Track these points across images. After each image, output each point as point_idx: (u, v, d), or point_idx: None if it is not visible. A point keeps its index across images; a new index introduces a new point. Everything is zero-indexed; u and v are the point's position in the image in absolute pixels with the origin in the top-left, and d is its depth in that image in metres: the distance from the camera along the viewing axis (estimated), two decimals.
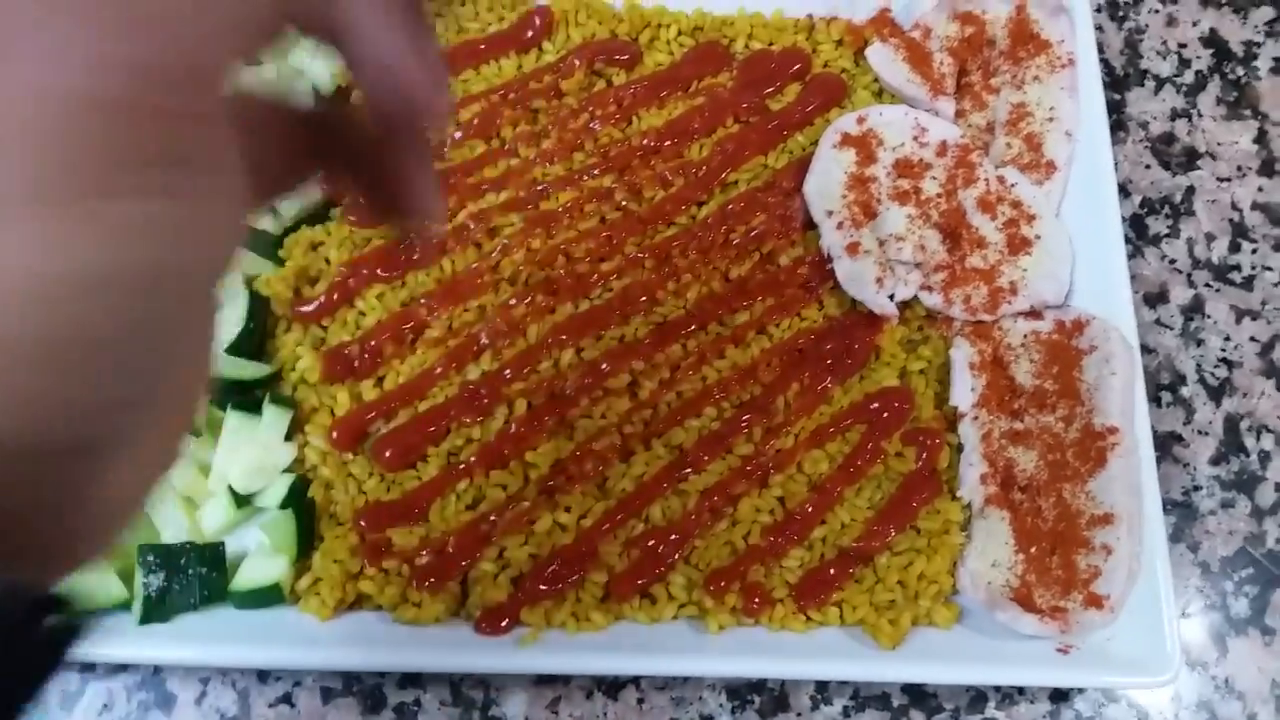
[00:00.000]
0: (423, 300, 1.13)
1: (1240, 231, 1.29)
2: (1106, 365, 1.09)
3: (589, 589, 1.03)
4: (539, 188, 1.18)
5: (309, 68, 1.19)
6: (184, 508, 1.03)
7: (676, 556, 1.05)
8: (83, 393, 0.37)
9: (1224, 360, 1.23)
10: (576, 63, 1.22)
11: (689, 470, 1.08)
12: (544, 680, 1.07)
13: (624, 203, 1.18)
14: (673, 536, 1.05)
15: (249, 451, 1.04)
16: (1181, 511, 1.17)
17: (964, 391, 1.12)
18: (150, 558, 0.99)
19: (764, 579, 1.05)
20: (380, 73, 0.47)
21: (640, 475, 1.08)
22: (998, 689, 1.09)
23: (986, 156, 1.20)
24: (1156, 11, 1.39)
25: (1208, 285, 1.26)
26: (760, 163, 1.23)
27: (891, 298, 1.15)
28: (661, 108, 1.23)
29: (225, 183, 0.40)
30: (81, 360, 0.36)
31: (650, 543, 1.05)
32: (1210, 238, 1.29)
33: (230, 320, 1.08)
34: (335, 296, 1.12)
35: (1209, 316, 1.25)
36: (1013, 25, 1.24)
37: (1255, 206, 1.30)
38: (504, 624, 1.01)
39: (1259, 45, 1.38)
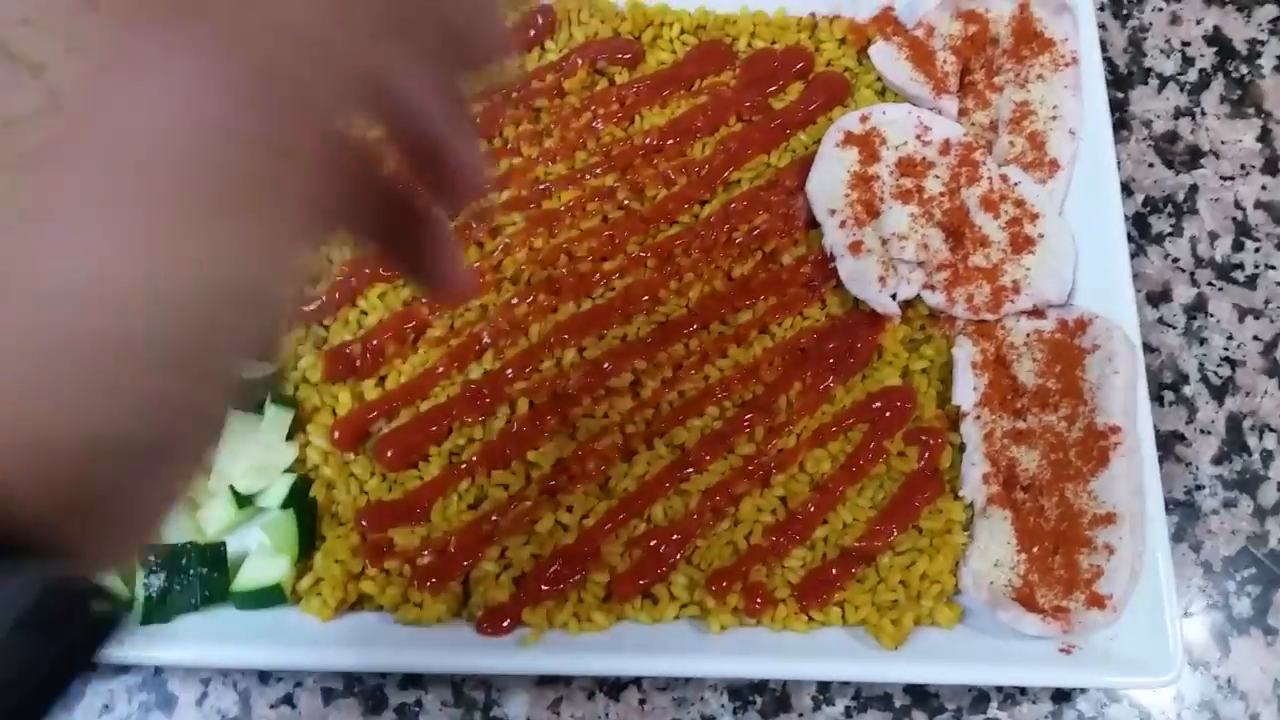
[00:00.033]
0: (424, 299, 1.12)
1: (1243, 230, 1.29)
2: (1109, 364, 1.09)
3: (591, 589, 1.03)
4: (541, 186, 1.18)
5: None
6: (185, 508, 1.03)
7: (678, 556, 1.05)
8: (180, 392, 0.41)
9: (1227, 359, 1.23)
10: (579, 61, 1.22)
11: (691, 470, 1.08)
12: (545, 681, 1.07)
13: (626, 201, 1.18)
14: (675, 536, 1.05)
15: (250, 451, 1.04)
16: (1184, 511, 1.17)
17: (966, 391, 1.12)
18: (151, 558, 0.98)
19: (766, 579, 1.05)
20: (434, 154, 0.51)
21: (642, 475, 1.08)
22: (1000, 689, 1.08)
23: (990, 155, 1.20)
24: (1160, 10, 1.39)
25: (1210, 284, 1.26)
26: (763, 161, 1.22)
27: (894, 297, 1.15)
28: (664, 106, 1.23)
29: (316, 216, 0.44)
30: (184, 361, 0.40)
31: (652, 542, 1.05)
32: (1213, 236, 1.28)
33: None
34: (337, 295, 1.12)
35: (1212, 315, 1.25)
36: (1016, 24, 1.24)
37: (1259, 205, 1.30)
38: (506, 624, 1.01)
39: (1263, 43, 1.38)
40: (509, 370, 1.10)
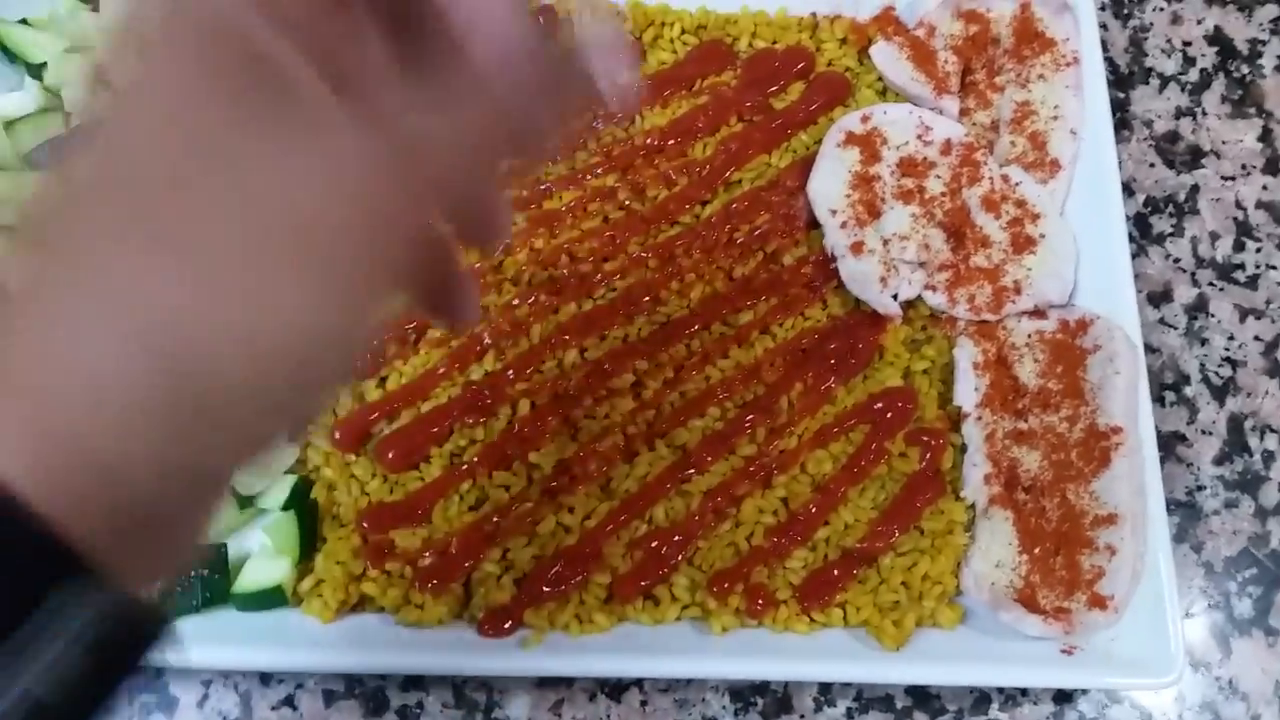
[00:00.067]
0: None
1: (1244, 230, 1.29)
2: (1110, 365, 1.09)
3: (592, 590, 1.03)
4: (542, 187, 1.18)
5: None
6: None
7: (680, 557, 1.05)
8: (256, 429, 0.44)
9: (1228, 360, 1.23)
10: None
11: (692, 471, 1.08)
12: (547, 683, 1.06)
13: (627, 202, 1.18)
14: (676, 537, 1.05)
15: None
16: (1185, 512, 1.17)
17: (968, 391, 1.12)
18: None
19: (767, 580, 1.05)
20: (468, 208, 0.54)
21: (644, 476, 1.08)
22: (1001, 690, 1.08)
23: (991, 155, 1.20)
24: (1161, 9, 1.39)
25: (1212, 284, 1.26)
26: (764, 162, 1.22)
27: (895, 297, 1.15)
28: (665, 106, 1.22)
29: (398, 278, 0.48)
30: (266, 402, 0.43)
31: (654, 544, 1.05)
32: (1214, 236, 1.28)
33: None
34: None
35: (1213, 316, 1.25)
36: (1017, 23, 1.24)
37: (1260, 205, 1.30)
38: (507, 626, 1.01)
39: (1264, 43, 1.38)
40: (510, 371, 1.10)
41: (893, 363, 1.15)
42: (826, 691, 1.08)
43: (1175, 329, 1.24)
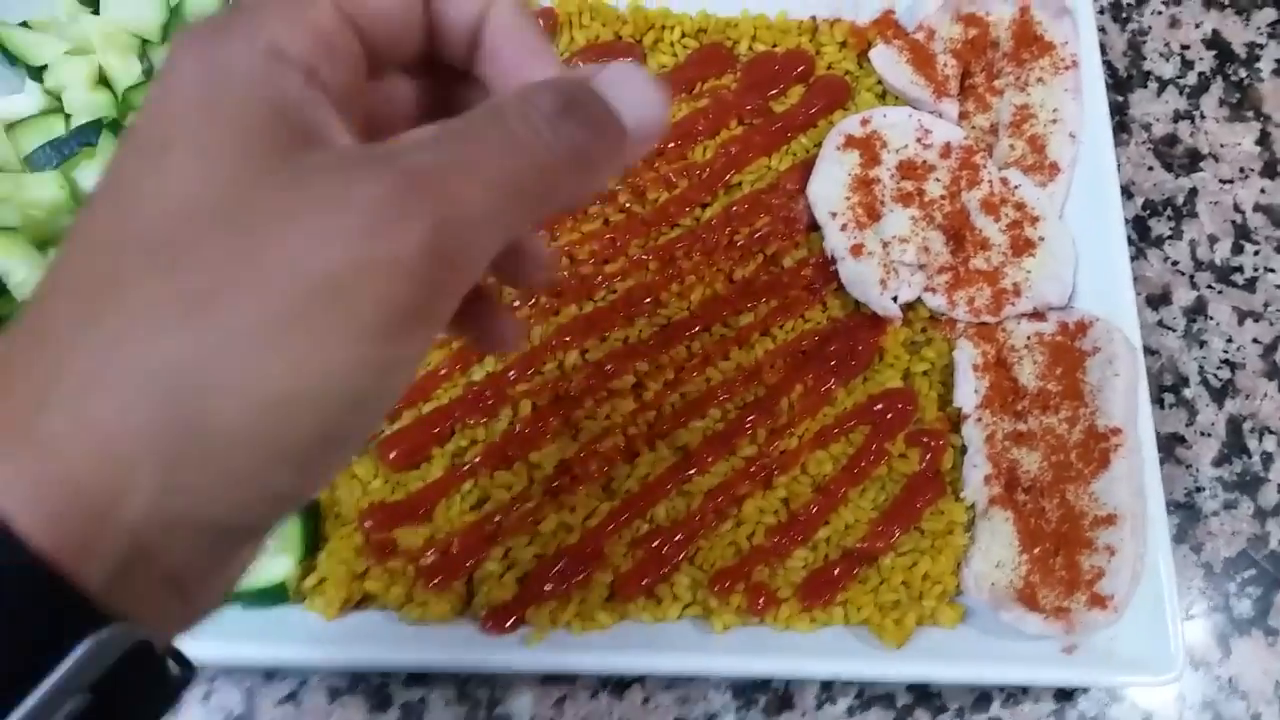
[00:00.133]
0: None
1: (1243, 233, 1.29)
2: (1110, 366, 1.09)
3: (594, 589, 1.03)
4: None
5: None
6: None
7: (681, 556, 1.05)
8: (298, 486, 0.45)
9: (1226, 362, 1.24)
10: (580, 65, 1.22)
11: (693, 471, 1.08)
12: (549, 679, 1.07)
13: (627, 205, 1.18)
14: (677, 537, 1.05)
15: None
16: (1184, 513, 1.17)
17: (967, 393, 1.12)
18: None
19: (769, 579, 1.05)
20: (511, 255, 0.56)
21: (645, 476, 1.08)
22: (1002, 688, 1.09)
23: (990, 158, 1.20)
24: (1159, 13, 1.40)
25: (1210, 287, 1.27)
26: (764, 165, 1.23)
27: (895, 299, 1.15)
28: None
29: (440, 330, 0.48)
30: (308, 460, 0.44)
31: (655, 543, 1.05)
32: (1213, 239, 1.29)
33: None
34: None
35: (1211, 318, 1.25)
36: (1016, 27, 1.24)
37: (1258, 208, 1.31)
38: (510, 623, 1.01)
39: (1261, 47, 1.39)
40: (511, 372, 1.10)
41: (893, 364, 1.15)
42: (828, 689, 1.08)
43: (1174, 331, 1.25)
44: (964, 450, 1.12)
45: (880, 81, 1.26)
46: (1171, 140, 1.33)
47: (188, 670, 0.47)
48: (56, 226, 1.10)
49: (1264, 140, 1.34)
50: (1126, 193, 1.28)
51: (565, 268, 1.15)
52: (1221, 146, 1.33)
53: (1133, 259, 1.19)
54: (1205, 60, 1.38)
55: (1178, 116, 1.35)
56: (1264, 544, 1.17)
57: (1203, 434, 1.21)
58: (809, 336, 1.16)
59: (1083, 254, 1.17)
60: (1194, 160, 1.32)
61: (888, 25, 1.26)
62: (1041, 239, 1.16)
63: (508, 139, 0.46)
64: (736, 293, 1.16)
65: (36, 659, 0.38)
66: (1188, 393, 1.22)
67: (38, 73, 1.18)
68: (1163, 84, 1.37)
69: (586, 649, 1.01)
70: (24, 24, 1.20)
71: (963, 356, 1.14)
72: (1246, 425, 1.21)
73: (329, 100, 0.46)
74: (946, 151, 1.20)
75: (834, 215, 1.17)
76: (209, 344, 0.40)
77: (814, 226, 1.19)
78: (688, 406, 1.11)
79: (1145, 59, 1.38)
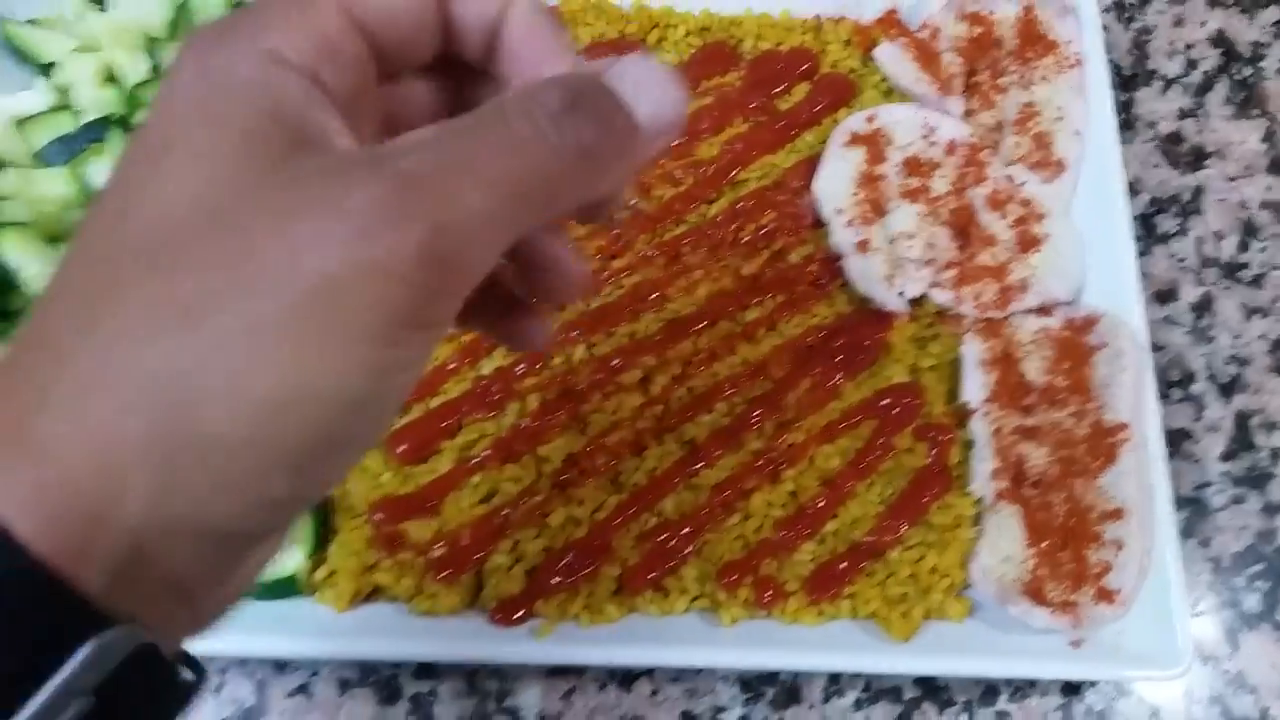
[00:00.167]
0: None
1: (1249, 230, 1.30)
2: (1117, 362, 1.09)
3: (602, 582, 1.03)
4: None
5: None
6: None
7: (689, 550, 1.05)
8: (296, 491, 0.45)
9: (1234, 357, 1.24)
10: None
11: (701, 465, 1.08)
12: (557, 672, 1.07)
13: (634, 201, 1.19)
14: (685, 530, 1.05)
15: None
16: (1192, 507, 1.17)
17: (974, 388, 1.12)
18: None
19: (776, 572, 1.05)
20: (543, 267, 0.56)
21: (653, 469, 1.08)
22: (1009, 682, 1.09)
23: (995, 155, 1.21)
24: (1164, 12, 1.40)
25: (1217, 283, 1.27)
26: (769, 162, 1.23)
27: (901, 295, 1.15)
28: None
29: (445, 332, 0.48)
30: (305, 466, 0.44)
31: (663, 536, 1.05)
32: (1219, 236, 1.29)
33: None
34: None
35: (1218, 314, 1.26)
36: (1021, 26, 1.25)
37: (1264, 205, 1.31)
38: (518, 616, 1.01)
39: (1266, 45, 1.39)
40: (519, 367, 1.11)
41: (899, 359, 1.15)
42: (835, 682, 1.08)
43: (1181, 327, 1.25)
44: (971, 445, 1.12)
45: (885, 79, 1.27)
46: (1177, 138, 1.34)
47: (199, 675, 0.47)
48: (66, 222, 1.10)
49: (1270, 137, 1.34)
50: (1133, 190, 1.29)
51: None
52: (1227, 144, 1.34)
53: (1139, 255, 1.19)
54: (1210, 58, 1.38)
55: (1183, 114, 1.35)
56: (1272, 539, 1.17)
57: (1210, 429, 1.21)
58: (815, 332, 1.16)
59: (1090, 250, 1.17)
60: (1200, 157, 1.33)
61: (892, 24, 1.27)
62: (1048, 235, 1.16)
63: (509, 138, 0.45)
64: (743, 288, 1.17)
65: (39, 662, 0.38)
66: (1195, 388, 1.23)
67: (46, 70, 1.18)
68: (1168, 82, 1.37)
69: (594, 642, 1.01)
70: (32, 21, 1.20)
71: (969, 351, 1.14)
72: (1254, 420, 1.21)
73: (331, 103, 0.46)
74: (952, 148, 1.20)
75: (840, 211, 1.17)
76: (203, 347, 0.40)
77: (819, 223, 1.20)
78: (695, 401, 1.11)
79: (1150, 57, 1.38)
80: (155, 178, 0.43)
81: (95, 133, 1.14)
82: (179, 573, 0.43)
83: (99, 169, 1.12)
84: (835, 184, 1.19)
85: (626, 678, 1.07)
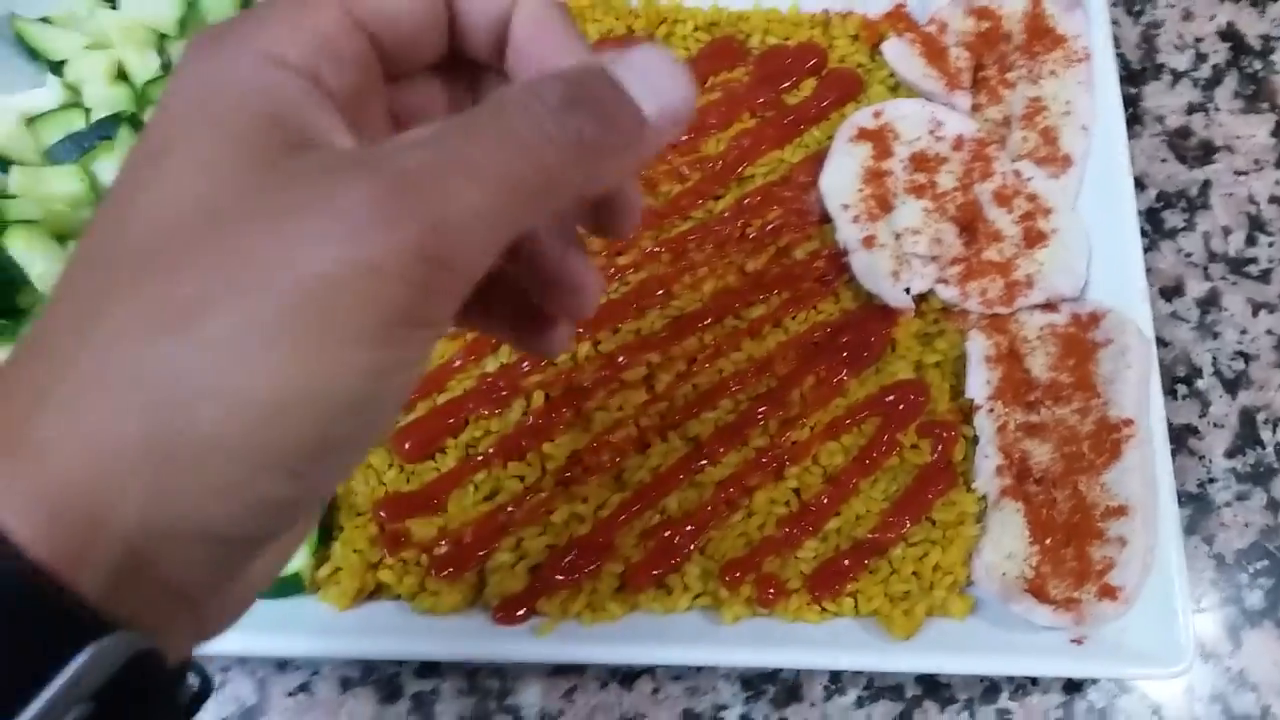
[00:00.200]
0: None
1: (1257, 225, 1.29)
2: (1122, 358, 1.09)
3: (605, 579, 1.04)
4: None
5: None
6: None
7: (692, 547, 1.05)
8: (295, 493, 0.44)
9: (1240, 353, 1.24)
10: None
11: (705, 462, 1.09)
12: (559, 670, 1.08)
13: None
14: (688, 527, 1.06)
15: None
16: (1196, 504, 1.17)
17: (979, 384, 1.12)
18: None
19: (779, 570, 1.05)
20: (552, 277, 0.57)
21: (657, 467, 1.08)
22: (1011, 679, 1.09)
23: (1003, 150, 1.21)
24: (1173, 6, 1.40)
25: (1224, 278, 1.27)
26: (776, 157, 1.23)
27: (907, 291, 1.15)
28: None
29: (444, 331, 0.48)
30: (301, 468, 0.43)
31: (666, 533, 1.06)
32: (1227, 231, 1.29)
33: None
34: None
35: (1225, 309, 1.25)
36: (1028, 20, 1.24)
37: (1272, 200, 1.30)
38: (521, 614, 1.02)
39: (1276, 39, 1.39)
40: (524, 364, 1.11)
41: (904, 356, 1.15)
42: (837, 680, 1.09)
43: (1187, 323, 1.25)
44: (975, 441, 1.12)
45: (892, 74, 1.27)
46: (1185, 132, 1.33)
47: (205, 684, 0.47)
48: (76, 220, 1.10)
49: (1278, 132, 1.33)
50: (1140, 184, 1.29)
51: None
52: (1236, 138, 1.33)
53: (1146, 250, 1.19)
54: (1219, 52, 1.38)
55: (1191, 109, 1.35)
56: (1275, 535, 1.17)
57: (1215, 425, 1.21)
58: (821, 328, 1.16)
59: (1096, 245, 1.17)
60: (1207, 152, 1.32)
61: (900, 18, 1.27)
62: (1054, 230, 1.16)
63: (508, 134, 0.45)
64: (748, 285, 1.17)
65: (38, 667, 0.38)
66: (1200, 384, 1.22)
67: (58, 67, 1.19)
68: (1176, 76, 1.36)
69: (596, 640, 1.01)
70: (45, 19, 1.20)
71: (974, 348, 1.14)
72: (1260, 416, 1.21)
73: (331, 103, 0.46)
74: (959, 144, 1.20)
75: (846, 207, 1.17)
76: (199, 349, 0.40)
77: (826, 219, 1.20)
78: (699, 398, 1.11)
79: (1159, 51, 1.38)
80: (155, 181, 0.43)
81: (105, 130, 1.14)
82: (179, 577, 0.43)
83: (108, 166, 1.12)
84: (841, 179, 1.18)
85: (628, 676, 1.08)
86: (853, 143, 1.20)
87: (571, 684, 1.07)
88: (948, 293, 1.16)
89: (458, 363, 1.11)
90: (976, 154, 1.19)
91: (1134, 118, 1.33)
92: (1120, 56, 1.34)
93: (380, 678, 1.07)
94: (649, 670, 1.08)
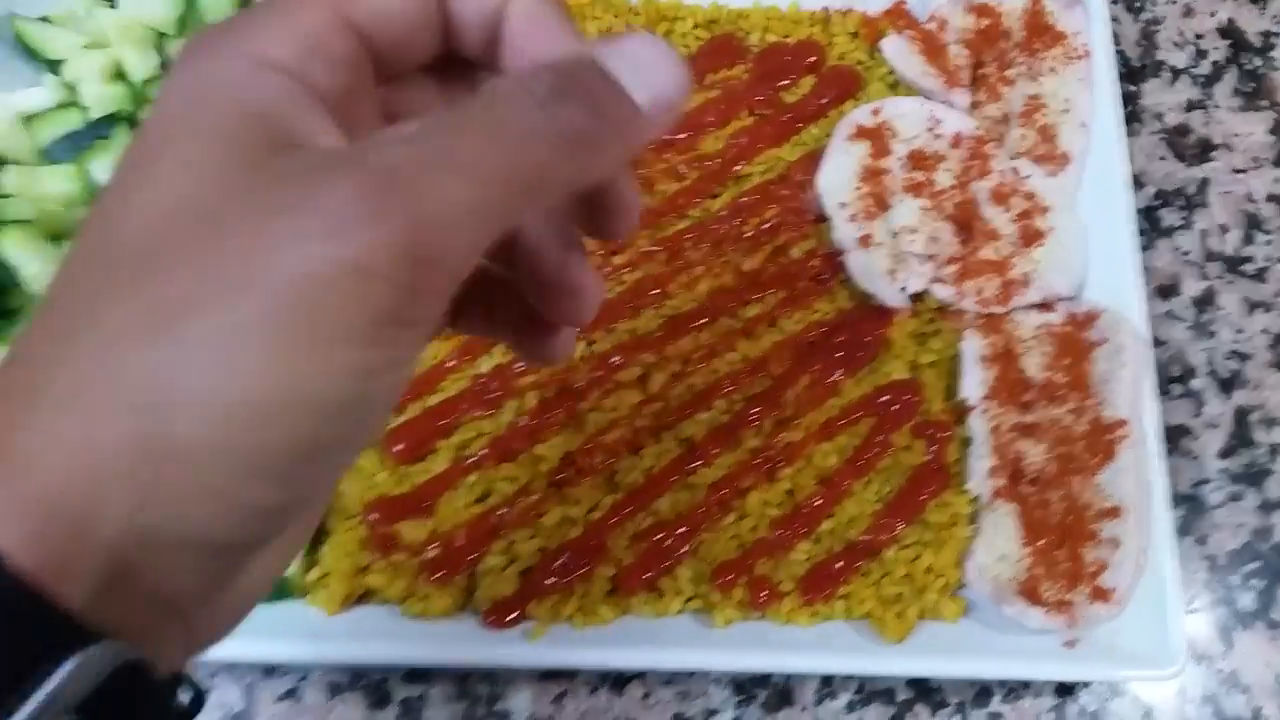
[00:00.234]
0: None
1: (1254, 223, 1.29)
2: (1117, 357, 1.09)
3: (596, 583, 1.04)
4: None
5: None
6: None
7: (684, 550, 1.05)
8: (282, 498, 0.43)
9: (1235, 353, 1.24)
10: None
11: (698, 463, 1.08)
12: (549, 675, 1.07)
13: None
14: (680, 530, 1.05)
15: None
16: (1189, 505, 1.17)
17: (973, 384, 1.12)
18: None
19: (771, 572, 1.05)
20: (551, 282, 0.56)
21: (649, 468, 1.08)
22: (1003, 683, 1.09)
23: (1001, 148, 1.20)
24: (1173, 3, 1.39)
25: (1220, 277, 1.27)
26: (774, 155, 1.22)
27: (903, 290, 1.15)
28: None
29: (430, 334, 0.48)
30: (289, 473, 0.42)
31: (658, 536, 1.05)
32: (1224, 229, 1.29)
33: None
34: None
35: (1221, 309, 1.25)
36: (1028, 17, 1.24)
37: (1270, 198, 1.30)
38: (511, 618, 1.02)
39: (1276, 36, 1.38)
40: (518, 364, 1.11)
41: (899, 355, 1.15)
42: (828, 684, 1.09)
43: (1183, 322, 1.24)
44: (969, 442, 1.12)
45: (891, 72, 1.26)
46: (1183, 130, 1.33)
47: (197, 697, 0.46)
48: (71, 220, 1.10)
49: (1277, 130, 1.33)
50: (1138, 182, 1.28)
51: None
52: (1234, 136, 1.33)
53: (1143, 249, 1.18)
54: (1219, 50, 1.37)
55: (1190, 106, 1.34)
56: (1269, 536, 1.17)
57: (1209, 425, 1.21)
58: (816, 328, 1.15)
59: (1092, 244, 1.17)
60: (1206, 150, 1.32)
61: (899, 15, 1.26)
62: (1051, 229, 1.16)
63: (496, 126, 0.44)
64: (744, 284, 1.16)
65: (21, 679, 0.37)
66: (1195, 383, 1.22)
67: (54, 66, 1.18)
68: (1176, 73, 1.36)
69: (587, 645, 1.01)
70: (44, 18, 1.20)
71: (969, 348, 1.13)
72: (1254, 416, 1.21)
73: (320, 104, 0.46)
74: (957, 141, 1.19)
75: (843, 206, 1.17)
76: (183, 353, 0.39)
77: (822, 217, 1.19)
78: (694, 399, 1.11)
79: (1159, 48, 1.37)
80: (145, 184, 0.43)
81: (102, 130, 1.14)
82: (166, 586, 0.42)
83: (104, 166, 1.12)
84: (838, 178, 1.18)
85: (618, 681, 1.08)
86: (850, 141, 1.19)
87: (562, 689, 1.07)
88: (944, 292, 1.15)
89: (451, 363, 1.11)
90: (974, 152, 1.18)
91: (1133, 115, 1.32)
92: (1120, 53, 1.33)
93: (369, 683, 1.07)
94: (640, 675, 1.08)
